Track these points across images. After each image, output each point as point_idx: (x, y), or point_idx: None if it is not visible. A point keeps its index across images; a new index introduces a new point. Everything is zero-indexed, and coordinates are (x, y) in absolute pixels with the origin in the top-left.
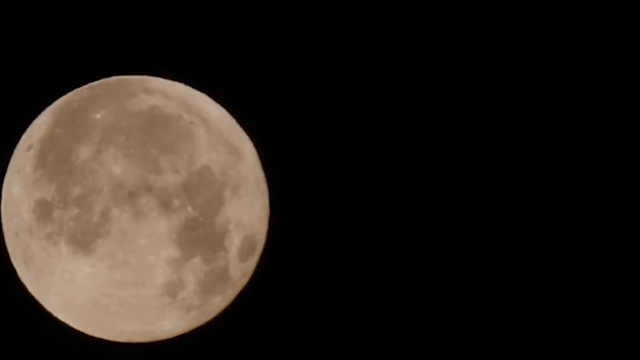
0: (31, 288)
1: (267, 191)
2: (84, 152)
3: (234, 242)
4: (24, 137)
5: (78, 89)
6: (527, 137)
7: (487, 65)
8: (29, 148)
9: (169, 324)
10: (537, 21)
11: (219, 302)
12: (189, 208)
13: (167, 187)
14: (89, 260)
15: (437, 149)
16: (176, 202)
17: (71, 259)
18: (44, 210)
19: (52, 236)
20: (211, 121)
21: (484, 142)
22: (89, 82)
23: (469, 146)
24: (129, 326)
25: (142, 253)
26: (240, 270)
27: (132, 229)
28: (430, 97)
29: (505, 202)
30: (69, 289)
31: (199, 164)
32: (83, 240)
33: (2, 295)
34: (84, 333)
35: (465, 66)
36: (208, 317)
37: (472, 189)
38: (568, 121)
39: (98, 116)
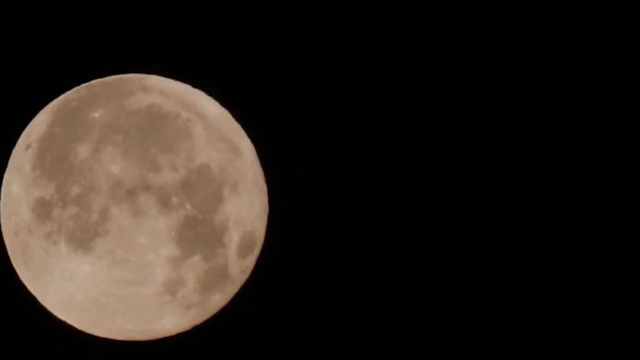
0: (31, 287)
1: (266, 188)
2: (83, 151)
3: (233, 239)
4: (23, 136)
5: (76, 88)
6: (534, 138)
7: (492, 63)
8: (28, 147)
9: (169, 322)
10: (544, 20)
11: (218, 300)
12: (188, 206)
13: (165, 185)
14: (88, 259)
15: (436, 144)
16: (175, 200)
17: (70, 258)
18: (43, 209)
19: (51, 235)
20: (209, 118)
21: (482, 141)
22: (87, 81)
23: (470, 145)
24: (129, 324)
25: (142, 251)
26: (239, 267)
27: (131, 227)
28: (429, 94)
29: (503, 202)
30: (68, 288)
31: (197, 161)
32: (82, 239)
33: (2, 294)
34: (84, 332)
35: (463, 65)
36: (208, 315)
37: (471, 187)
38: (570, 120)
39: (96, 115)
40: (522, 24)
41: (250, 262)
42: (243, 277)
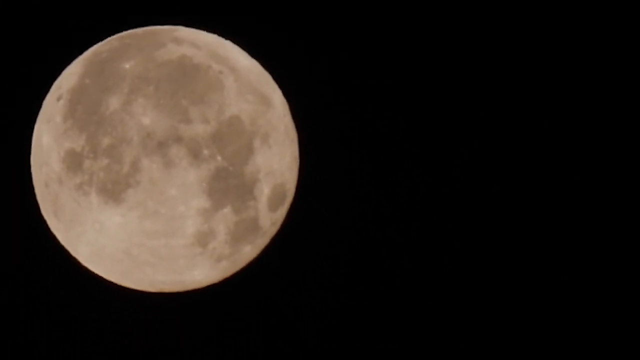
0: (61, 238)
1: (297, 140)
2: (114, 102)
3: (264, 192)
4: (54, 87)
5: (107, 39)
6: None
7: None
8: (59, 98)
9: (200, 273)
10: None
11: (249, 252)
12: (219, 158)
13: (196, 137)
14: (119, 210)
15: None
16: (206, 151)
17: (101, 210)
18: (73, 161)
19: (82, 186)
20: (240, 70)
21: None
22: (118, 32)
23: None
24: (160, 276)
25: (173, 203)
26: (270, 219)
27: (162, 179)
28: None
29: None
30: (99, 239)
31: (228, 113)
32: (113, 191)
33: (33, 245)
34: (114, 283)
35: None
36: (238, 267)
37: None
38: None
39: (127, 66)
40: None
41: (280, 214)
42: (273, 230)
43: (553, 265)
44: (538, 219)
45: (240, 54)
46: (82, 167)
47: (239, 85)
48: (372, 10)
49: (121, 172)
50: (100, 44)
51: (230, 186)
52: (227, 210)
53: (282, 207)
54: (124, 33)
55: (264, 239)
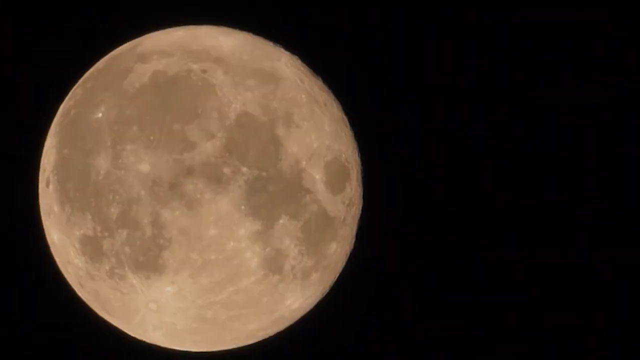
0: (127, 331)
1: (332, 97)
2: (102, 163)
3: (316, 178)
4: (41, 170)
5: (71, 91)
6: None
7: None
8: (47, 183)
9: (293, 301)
10: None
11: (335, 250)
12: (244, 169)
13: (208, 160)
14: (165, 279)
15: None
16: (227, 170)
17: (147, 287)
18: (92, 248)
19: (114, 272)
20: (227, 57)
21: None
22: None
23: None
24: (252, 325)
25: (219, 244)
26: (341, 202)
27: (193, 223)
28: None
29: None
30: (163, 318)
31: (232, 114)
32: (148, 261)
33: (105, 343)
34: (212, 352)
35: None
36: (333, 272)
37: None
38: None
39: (99, 115)
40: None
41: (351, 190)
42: (353, 210)
43: None
44: None
45: (221, 34)
46: (103, 250)
47: (232, 75)
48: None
49: (145, 237)
50: (65, 100)
51: (272, 194)
52: (283, 220)
53: (348, 181)
54: (86, 74)
55: (344, 228)
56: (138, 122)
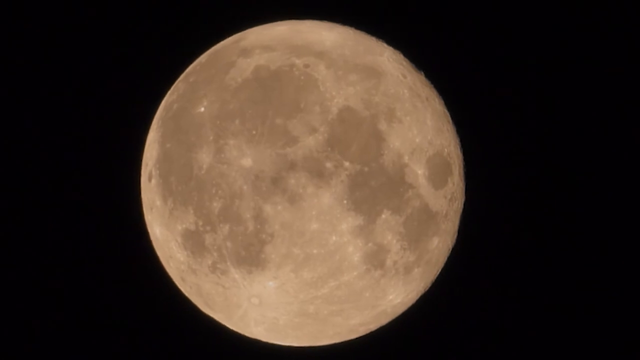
0: (229, 325)
1: (435, 92)
2: (204, 157)
3: (419, 173)
4: (143, 164)
5: (174, 85)
6: None
7: None
8: (150, 178)
9: (396, 295)
10: None
11: (438, 245)
12: (347, 164)
13: (311, 154)
14: (267, 273)
15: None
16: (329, 164)
17: (249, 282)
18: (194, 242)
19: (216, 266)
20: (329, 52)
21: None
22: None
23: None
24: (354, 319)
25: (321, 238)
26: (443, 197)
27: (296, 217)
28: None
29: None
30: (265, 313)
31: (335, 109)
32: (250, 256)
33: (210, 338)
34: (314, 346)
35: None
36: (435, 267)
37: None
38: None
39: (202, 109)
40: None
41: (453, 184)
42: (456, 205)
43: None
44: None
45: (323, 29)
46: (205, 245)
47: (334, 69)
48: None
49: (247, 231)
50: (168, 93)
51: (375, 188)
52: (385, 215)
53: (450, 176)
54: (188, 69)
55: (447, 223)
56: (240, 117)
